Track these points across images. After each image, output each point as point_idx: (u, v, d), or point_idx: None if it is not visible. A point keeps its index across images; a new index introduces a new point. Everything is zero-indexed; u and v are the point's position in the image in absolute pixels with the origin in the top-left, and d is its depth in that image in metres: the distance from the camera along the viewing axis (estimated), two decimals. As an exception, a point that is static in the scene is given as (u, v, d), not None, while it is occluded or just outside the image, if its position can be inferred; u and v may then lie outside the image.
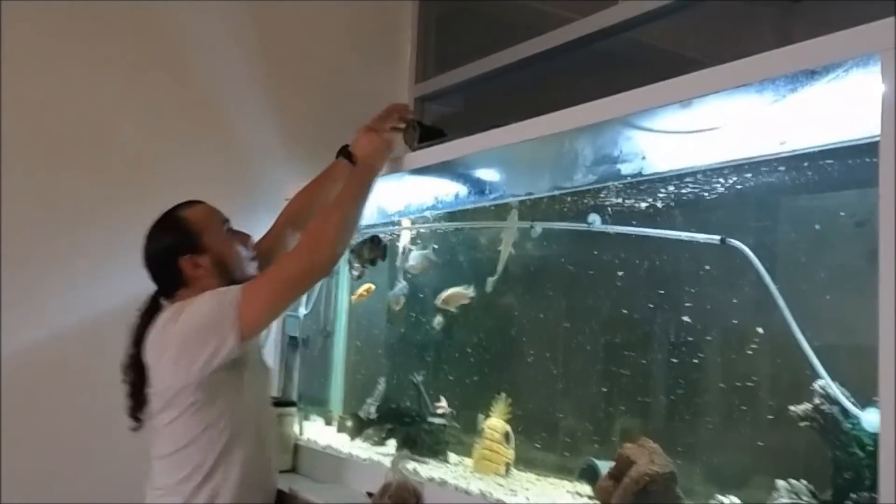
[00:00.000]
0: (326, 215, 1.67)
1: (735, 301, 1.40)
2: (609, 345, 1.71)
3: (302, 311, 2.44)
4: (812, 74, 1.10)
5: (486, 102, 2.91)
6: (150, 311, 1.68)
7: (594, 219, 1.54)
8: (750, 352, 1.36)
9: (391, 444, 2.07)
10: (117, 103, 2.33)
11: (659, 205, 1.49)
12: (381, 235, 2.17)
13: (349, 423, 2.21)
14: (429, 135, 2.04)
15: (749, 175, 1.36)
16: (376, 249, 2.15)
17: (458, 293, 1.97)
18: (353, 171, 1.81)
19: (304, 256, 1.62)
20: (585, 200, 1.59)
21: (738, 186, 1.39)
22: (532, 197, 1.66)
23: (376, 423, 2.13)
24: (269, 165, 2.65)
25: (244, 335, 1.55)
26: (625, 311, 1.61)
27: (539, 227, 1.68)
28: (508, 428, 1.81)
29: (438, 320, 2.07)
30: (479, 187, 1.79)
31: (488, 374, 2.01)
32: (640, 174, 1.39)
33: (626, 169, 1.42)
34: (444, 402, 2.02)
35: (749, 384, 1.37)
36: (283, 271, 1.62)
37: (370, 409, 2.19)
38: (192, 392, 1.56)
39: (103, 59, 2.33)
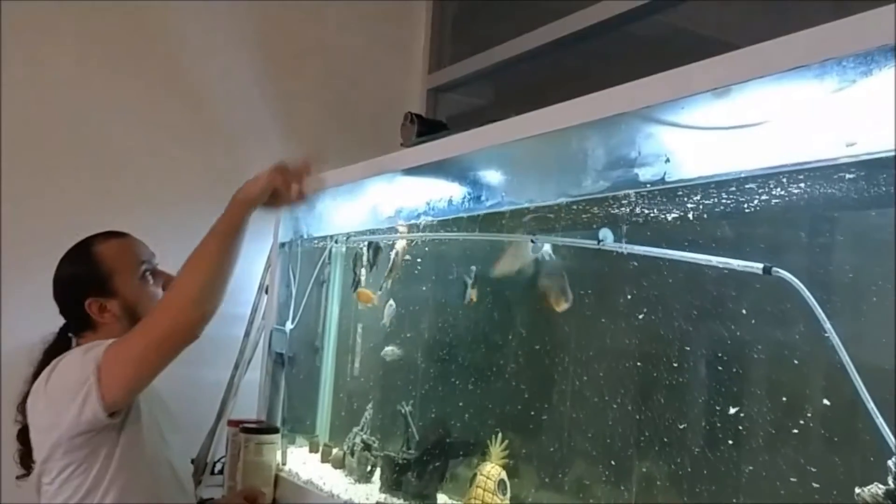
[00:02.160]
0: (189, 269, 1.42)
1: (782, 347, 1.09)
2: (619, 382, 1.42)
3: (289, 325, 2.19)
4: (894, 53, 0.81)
5: (506, 93, 2.63)
6: (55, 349, 1.53)
7: (606, 235, 1.26)
8: (805, 420, 1.06)
9: (376, 479, 1.82)
10: (115, 100, 2.30)
11: (687, 218, 1.19)
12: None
13: (351, 460, 1.92)
14: (428, 129, 1.80)
15: (804, 185, 1.05)
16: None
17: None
18: (226, 212, 1.49)
19: (165, 318, 1.40)
20: (596, 212, 1.29)
21: (789, 199, 1.07)
22: (534, 205, 1.37)
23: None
24: (264, 162, 2.46)
25: (107, 404, 1.37)
26: (638, 343, 1.32)
27: (543, 242, 1.40)
28: (504, 475, 1.53)
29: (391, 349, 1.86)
30: (475, 193, 1.51)
31: (487, 405, 1.73)
32: (662, 181, 1.10)
33: (645, 174, 1.13)
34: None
35: (801, 454, 1.06)
36: (145, 334, 1.40)
37: (356, 439, 1.93)
38: (62, 455, 1.39)
39: (99, 55, 2.29)
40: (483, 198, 1.46)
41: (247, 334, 2.29)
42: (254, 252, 2.42)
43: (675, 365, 1.23)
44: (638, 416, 1.30)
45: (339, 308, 2.21)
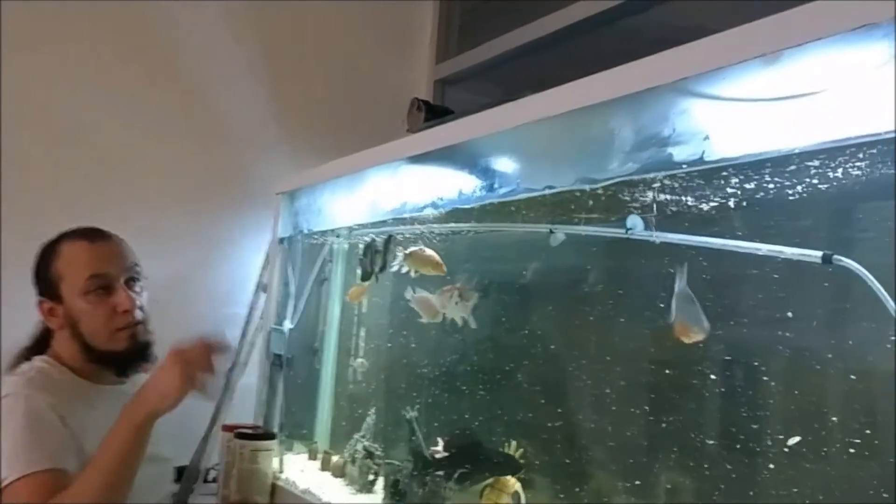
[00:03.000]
0: (80, 487, 1.27)
1: (850, 347, 0.97)
2: (646, 381, 1.30)
3: (287, 324, 2.08)
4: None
5: (515, 85, 2.51)
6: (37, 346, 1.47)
7: (635, 223, 1.14)
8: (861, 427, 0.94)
9: (379, 489, 1.70)
10: (113, 97, 2.21)
11: (728, 202, 1.07)
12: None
13: (353, 469, 1.78)
14: (436, 116, 1.69)
15: (867, 162, 0.93)
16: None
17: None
18: (126, 409, 1.35)
19: None
20: (623, 197, 1.17)
21: (849, 179, 0.96)
22: (552, 192, 1.25)
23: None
24: (261, 155, 2.37)
25: None
26: (673, 346, 1.20)
27: (561, 232, 1.28)
28: (519, 488, 1.41)
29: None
30: (487, 181, 1.40)
31: (500, 412, 1.61)
32: (701, 160, 0.99)
33: (680, 154, 1.01)
34: (441, 445, 1.63)
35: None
36: None
37: (358, 446, 1.81)
38: None
39: (88, 48, 2.18)
40: (496, 185, 1.35)
41: (243, 335, 2.17)
42: (251, 249, 2.33)
43: (716, 371, 1.11)
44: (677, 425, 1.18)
45: (340, 307, 2.09)
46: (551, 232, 1.29)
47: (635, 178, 1.08)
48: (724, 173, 1.04)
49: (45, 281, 1.45)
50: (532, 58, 2.40)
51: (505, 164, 1.35)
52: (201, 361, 1.36)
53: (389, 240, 1.73)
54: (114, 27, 2.22)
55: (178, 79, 2.30)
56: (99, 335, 1.45)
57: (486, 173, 1.37)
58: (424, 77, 2.71)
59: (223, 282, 2.33)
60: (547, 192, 1.24)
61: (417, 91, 2.68)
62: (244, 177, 2.37)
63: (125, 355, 1.51)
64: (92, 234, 1.49)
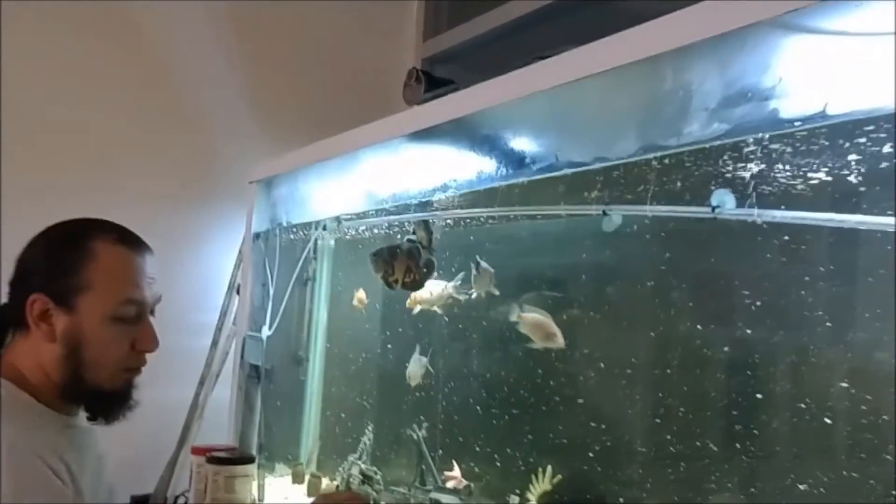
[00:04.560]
0: None
1: None
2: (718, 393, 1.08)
3: (265, 331, 1.82)
4: None
5: (507, 63, 2.30)
6: None
7: (723, 199, 0.91)
8: None
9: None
10: (101, 91, 2.02)
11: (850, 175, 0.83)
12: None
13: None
14: (435, 86, 1.47)
15: None
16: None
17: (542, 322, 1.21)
18: None
19: None
20: (705, 169, 0.94)
21: None
22: (605, 165, 1.01)
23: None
24: (231, 139, 2.14)
25: None
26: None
27: (617, 215, 1.05)
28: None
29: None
30: (514, 155, 1.16)
31: (528, 430, 1.37)
32: (822, 115, 0.76)
33: (789, 109, 0.79)
34: (456, 472, 1.40)
35: None
36: None
37: (353, 470, 1.57)
38: None
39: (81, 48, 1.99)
40: (528, 160, 1.11)
41: (214, 343, 1.92)
42: (222, 245, 2.07)
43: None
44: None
45: (327, 310, 1.84)
46: (604, 214, 1.05)
47: (726, 141, 0.86)
48: (852, 131, 0.82)
49: (60, 279, 1.10)
50: (530, 32, 2.18)
51: (538, 134, 1.11)
52: None
53: (431, 239, 1.42)
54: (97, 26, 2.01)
55: (139, 52, 2.06)
56: (104, 369, 1.12)
57: (514, 147, 1.14)
58: (411, 55, 2.47)
59: (191, 283, 2.06)
60: (597, 165, 1.00)
61: (402, 70, 2.44)
62: (212, 163, 2.12)
63: (112, 396, 1.18)
64: (132, 240, 1.17)
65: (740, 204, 0.90)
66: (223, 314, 1.95)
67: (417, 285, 1.36)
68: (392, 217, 1.59)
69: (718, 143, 0.86)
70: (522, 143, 1.13)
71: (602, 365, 1.20)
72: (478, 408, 1.44)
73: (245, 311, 1.86)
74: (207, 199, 2.11)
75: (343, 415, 1.79)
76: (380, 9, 2.48)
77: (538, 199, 1.20)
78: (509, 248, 1.35)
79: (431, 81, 1.58)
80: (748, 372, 1.00)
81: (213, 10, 2.16)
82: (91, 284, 1.10)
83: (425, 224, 1.42)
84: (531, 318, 1.20)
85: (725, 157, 0.90)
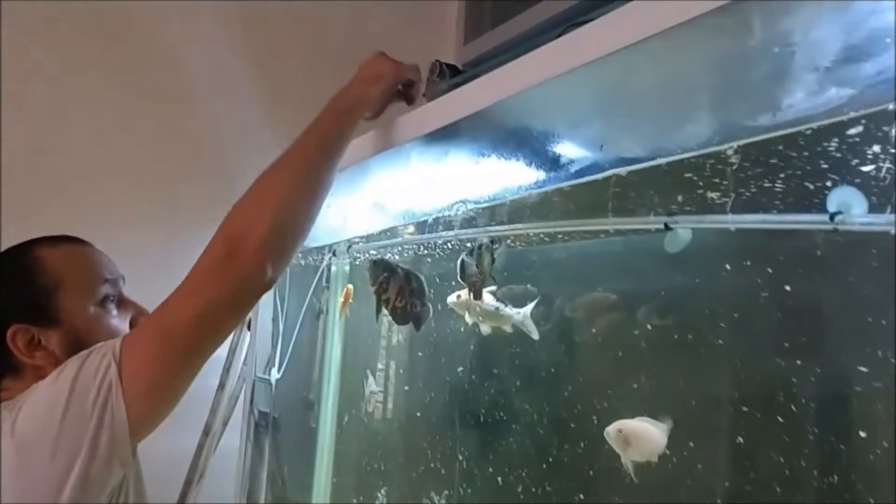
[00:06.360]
0: (264, 185, 0.96)
1: None
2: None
3: (274, 373, 1.59)
4: None
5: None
6: None
7: (847, 202, 0.62)
8: None
9: None
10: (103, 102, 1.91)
11: None
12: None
13: None
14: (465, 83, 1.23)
15: None
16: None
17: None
18: (327, 106, 1.04)
19: (223, 268, 0.88)
20: (815, 159, 0.64)
21: None
22: (666, 161, 0.73)
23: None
24: (252, 148, 1.98)
25: (133, 430, 0.86)
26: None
27: (685, 229, 0.75)
28: None
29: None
30: (548, 156, 0.89)
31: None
32: None
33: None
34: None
35: None
36: (188, 303, 0.88)
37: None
38: None
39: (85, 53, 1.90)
40: (563, 160, 0.85)
41: (221, 386, 1.69)
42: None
43: None
44: None
45: (342, 347, 1.59)
46: (667, 228, 0.76)
47: (849, 116, 0.58)
48: None
49: (23, 301, 1.00)
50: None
51: (572, 126, 0.84)
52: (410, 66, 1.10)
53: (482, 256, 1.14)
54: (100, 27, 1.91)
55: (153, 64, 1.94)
56: None
57: (542, 145, 0.87)
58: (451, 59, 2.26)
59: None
60: (661, 161, 0.73)
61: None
62: (226, 181, 1.93)
63: None
64: (68, 237, 1.08)
65: (874, 209, 0.61)
66: (231, 352, 1.73)
67: (406, 315, 1.15)
68: (412, 238, 1.35)
69: (836, 119, 0.58)
70: (551, 140, 0.86)
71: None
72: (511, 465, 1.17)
73: (254, 349, 1.64)
74: (219, 219, 1.92)
75: (360, 469, 1.53)
76: (418, 9, 2.29)
77: (576, 211, 0.92)
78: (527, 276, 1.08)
79: (458, 75, 1.35)
80: None
81: (223, 10, 2.02)
82: (59, 285, 1.01)
83: (489, 247, 1.16)
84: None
85: (850, 140, 0.61)
